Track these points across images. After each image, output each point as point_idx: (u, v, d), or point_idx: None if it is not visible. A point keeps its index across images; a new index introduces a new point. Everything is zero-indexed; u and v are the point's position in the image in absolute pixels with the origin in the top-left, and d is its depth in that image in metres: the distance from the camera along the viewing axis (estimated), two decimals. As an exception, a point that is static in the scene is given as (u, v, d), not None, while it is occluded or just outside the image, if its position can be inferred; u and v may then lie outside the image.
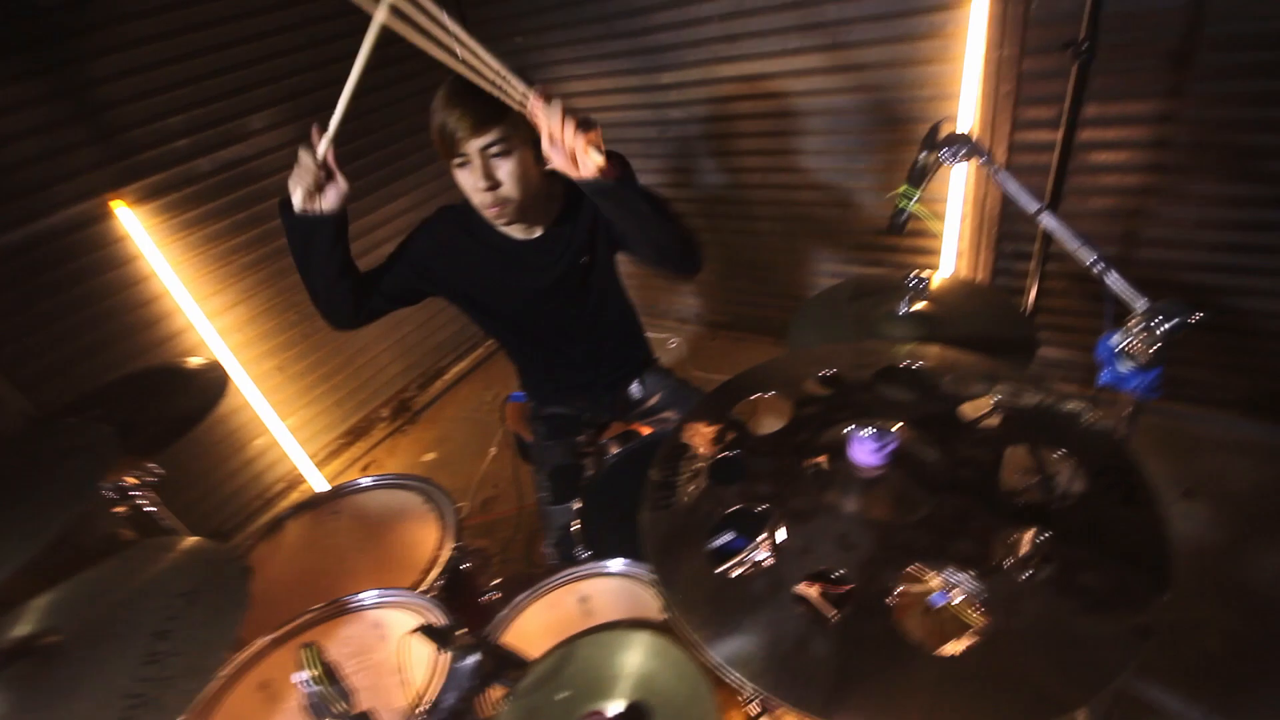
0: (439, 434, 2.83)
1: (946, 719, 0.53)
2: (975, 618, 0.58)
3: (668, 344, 2.98)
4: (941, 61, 1.91)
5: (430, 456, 2.70)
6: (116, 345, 2.04)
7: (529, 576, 1.16)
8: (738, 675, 0.57)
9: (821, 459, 0.73)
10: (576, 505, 1.37)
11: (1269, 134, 1.63)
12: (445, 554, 1.22)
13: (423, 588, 1.13)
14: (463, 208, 1.38)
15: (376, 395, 2.86)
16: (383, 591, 1.08)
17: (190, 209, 2.15)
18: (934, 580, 0.60)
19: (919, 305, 1.16)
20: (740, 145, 2.45)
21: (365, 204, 2.63)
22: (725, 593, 0.65)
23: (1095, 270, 0.82)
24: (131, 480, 1.49)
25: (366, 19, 0.98)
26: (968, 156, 0.92)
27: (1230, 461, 1.89)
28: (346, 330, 1.44)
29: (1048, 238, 1.49)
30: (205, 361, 1.68)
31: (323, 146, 1.14)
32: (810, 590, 0.62)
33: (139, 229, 2.00)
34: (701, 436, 0.79)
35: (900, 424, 0.72)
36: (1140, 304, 0.78)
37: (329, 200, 1.20)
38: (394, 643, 1.00)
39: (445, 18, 0.99)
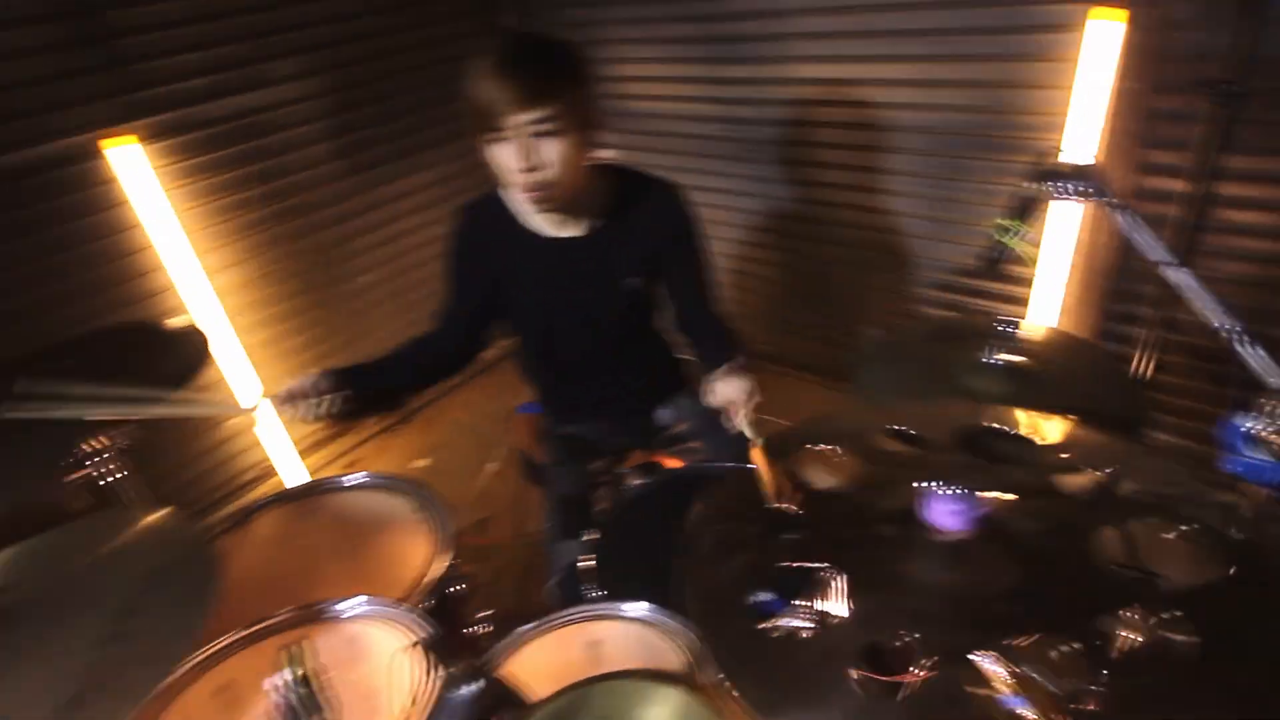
0: (435, 439, 2.86)
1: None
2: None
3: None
4: (1054, 88, 1.92)
5: (423, 463, 2.73)
6: (92, 296, 2.11)
7: (521, 613, 1.17)
8: None
9: (892, 522, 0.74)
10: (589, 538, 1.38)
11: None
12: (437, 570, 1.23)
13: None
14: (484, 200, 1.43)
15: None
16: (371, 601, 1.09)
17: (198, 154, 2.23)
18: (1014, 678, 0.60)
19: (1008, 357, 1.17)
20: (813, 156, 2.48)
21: (383, 173, 2.71)
22: (778, 656, 0.65)
23: (1229, 338, 0.82)
24: (98, 444, 1.54)
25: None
26: (1087, 194, 0.93)
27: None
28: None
29: (1169, 300, 1.49)
30: (188, 324, 1.73)
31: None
32: (874, 666, 0.63)
33: (133, 171, 2.07)
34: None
35: (985, 488, 0.72)
36: (1277, 381, 0.78)
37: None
38: (373, 661, 1.01)
39: None
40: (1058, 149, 1.94)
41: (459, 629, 1.36)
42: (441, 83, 2.76)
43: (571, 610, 1.08)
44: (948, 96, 2.11)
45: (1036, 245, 2.00)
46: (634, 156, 2.62)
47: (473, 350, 1.55)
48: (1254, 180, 1.77)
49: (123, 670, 0.84)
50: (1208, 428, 0.96)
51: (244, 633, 1.07)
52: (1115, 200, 0.91)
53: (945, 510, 0.70)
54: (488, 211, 1.43)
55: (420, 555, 1.31)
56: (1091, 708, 0.57)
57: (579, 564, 1.34)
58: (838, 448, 0.87)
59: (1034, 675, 0.60)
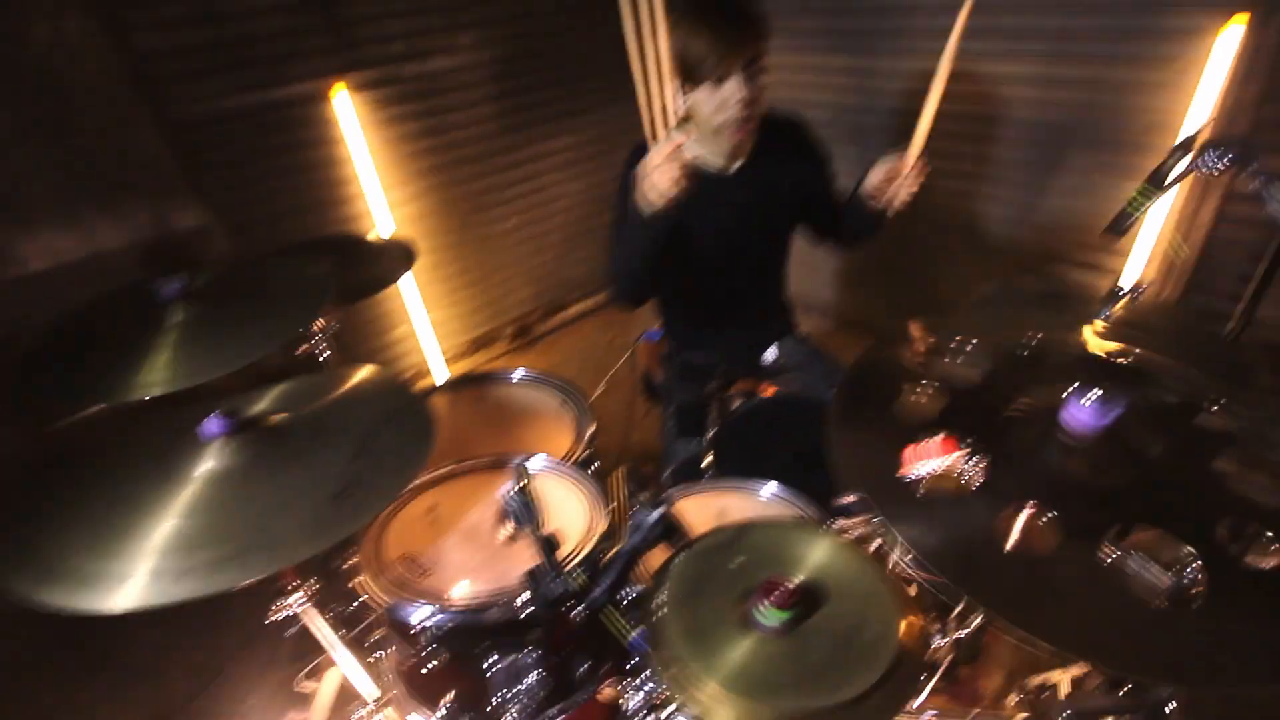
0: (552, 363, 2.97)
1: (1143, 654, 0.54)
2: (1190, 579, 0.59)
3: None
4: (1170, 90, 1.80)
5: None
6: (312, 213, 2.27)
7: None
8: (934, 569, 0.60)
9: (1026, 409, 0.75)
10: (705, 438, 1.43)
11: None
12: (580, 448, 1.30)
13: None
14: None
15: (504, 313, 3.03)
16: (549, 459, 1.18)
17: (392, 107, 2.34)
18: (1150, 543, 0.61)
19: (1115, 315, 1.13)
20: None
21: (532, 135, 2.77)
22: (924, 503, 0.68)
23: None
24: (320, 325, 1.68)
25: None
26: (1234, 164, 0.89)
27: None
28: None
29: (1267, 277, 1.40)
30: (393, 238, 1.84)
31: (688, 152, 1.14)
32: (1022, 514, 0.64)
33: (349, 115, 2.21)
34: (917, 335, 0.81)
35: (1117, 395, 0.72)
36: None
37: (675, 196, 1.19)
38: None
39: None
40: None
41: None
42: (585, 61, 2.80)
43: (716, 481, 1.13)
44: (1064, 94, 1.99)
45: (1185, 241, 1.86)
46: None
47: (654, 285, 1.48)
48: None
49: (372, 477, 0.94)
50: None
51: (446, 469, 1.18)
52: (1260, 169, 0.86)
53: (1083, 413, 0.70)
54: None
55: (565, 438, 1.39)
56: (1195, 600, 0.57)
57: (699, 462, 1.40)
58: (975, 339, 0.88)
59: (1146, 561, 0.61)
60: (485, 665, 0.89)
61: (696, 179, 1.13)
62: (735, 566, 0.76)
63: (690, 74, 1.24)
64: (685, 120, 1.29)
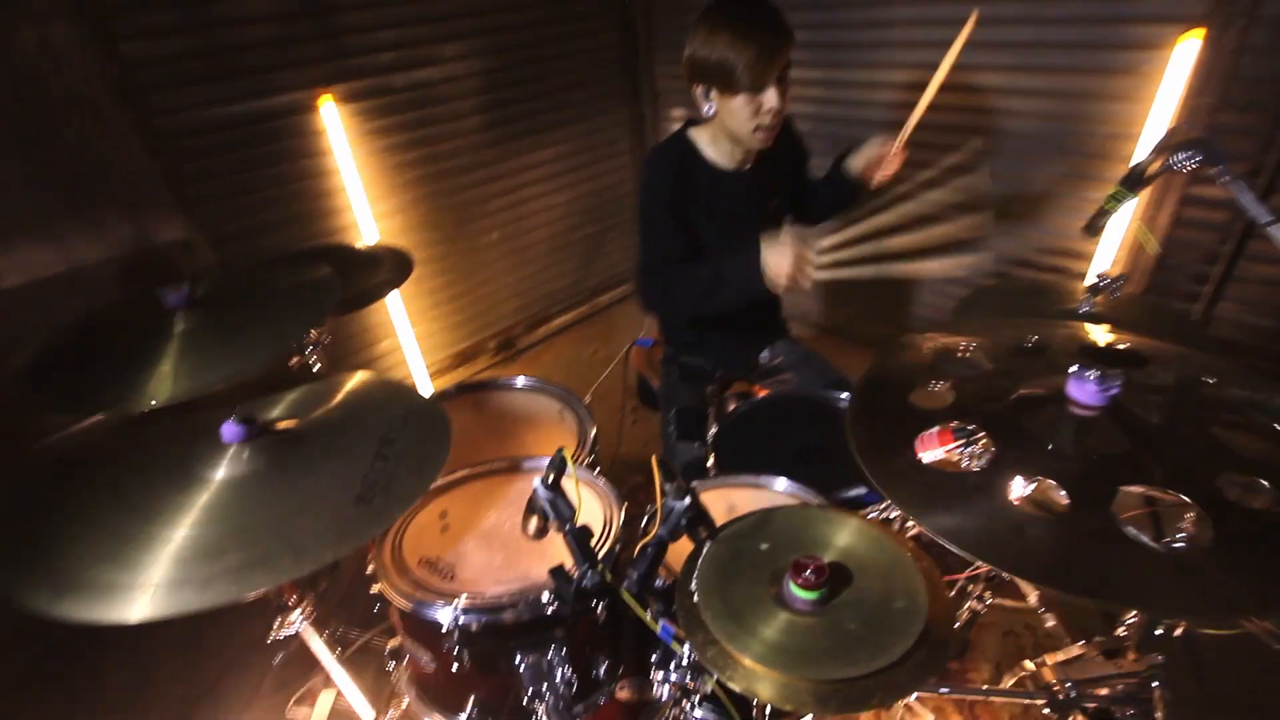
0: (536, 375, 2.97)
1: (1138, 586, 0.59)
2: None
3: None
4: (1131, 101, 1.92)
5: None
6: (298, 224, 2.26)
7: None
8: (957, 548, 0.64)
9: (1035, 391, 0.80)
10: (710, 437, 1.47)
11: None
12: (585, 455, 1.33)
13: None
14: (670, 144, 1.50)
15: (488, 326, 3.03)
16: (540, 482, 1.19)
17: (379, 118, 2.36)
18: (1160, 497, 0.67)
19: (1095, 308, 1.21)
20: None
21: (517, 147, 2.80)
22: (937, 482, 0.72)
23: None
24: (313, 336, 1.68)
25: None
26: (1204, 163, 0.96)
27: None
28: None
29: (1229, 268, 1.51)
30: (388, 247, 1.85)
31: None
32: (1033, 485, 0.69)
33: (336, 125, 2.22)
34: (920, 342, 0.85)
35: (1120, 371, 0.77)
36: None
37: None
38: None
39: None
40: (1130, 158, 1.93)
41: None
42: (571, 73, 2.86)
43: (725, 477, 1.16)
44: (1032, 104, 2.10)
45: (1154, 237, 1.97)
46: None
47: None
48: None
49: (394, 477, 0.95)
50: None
51: (456, 475, 1.19)
52: (1231, 168, 0.94)
53: (1087, 389, 0.76)
54: (676, 151, 1.47)
55: (568, 442, 1.41)
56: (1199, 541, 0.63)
57: (703, 463, 1.43)
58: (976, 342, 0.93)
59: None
60: (515, 662, 0.90)
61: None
62: (763, 550, 0.79)
63: (726, 84, 1.28)
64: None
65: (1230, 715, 1.30)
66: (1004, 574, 1.36)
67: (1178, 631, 0.94)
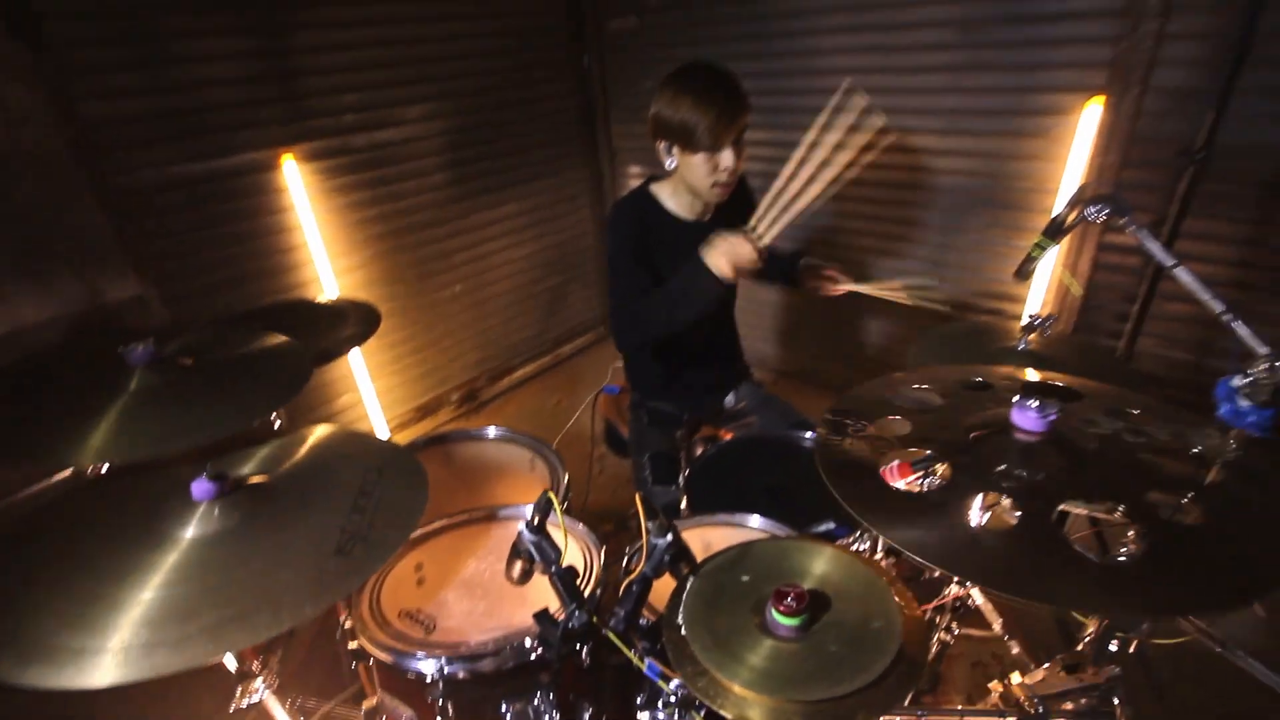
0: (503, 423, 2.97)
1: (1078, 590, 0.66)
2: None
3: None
4: (1046, 160, 2.13)
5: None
6: (256, 280, 2.25)
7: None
8: (922, 559, 0.70)
9: (985, 428, 0.88)
10: (682, 481, 1.51)
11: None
12: (560, 502, 1.34)
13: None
14: (634, 197, 1.59)
15: (450, 379, 3.03)
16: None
17: (340, 176, 2.40)
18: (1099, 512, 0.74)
19: (1030, 345, 1.33)
20: (839, 207, 2.68)
21: (479, 203, 2.88)
22: (902, 504, 0.78)
23: (1223, 319, 0.97)
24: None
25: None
26: (1113, 215, 1.09)
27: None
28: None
29: (1144, 307, 1.66)
30: (353, 300, 1.86)
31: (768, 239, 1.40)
32: (989, 500, 0.75)
33: (297, 183, 2.25)
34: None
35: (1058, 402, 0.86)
36: (1264, 350, 0.93)
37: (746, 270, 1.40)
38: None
39: None
40: (1051, 210, 2.13)
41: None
42: (532, 134, 2.98)
43: (701, 516, 1.20)
44: (962, 164, 2.30)
45: (1079, 280, 2.16)
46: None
47: None
48: (1199, 239, 1.93)
49: (373, 528, 0.95)
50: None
51: (431, 527, 1.19)
52: (1136, 219, 1.07)
53: (1029, 417, 0.84)
54: (639, 204, 1.58)
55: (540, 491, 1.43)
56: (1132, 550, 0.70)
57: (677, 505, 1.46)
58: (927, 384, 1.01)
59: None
60: (501, 710, 0.90)
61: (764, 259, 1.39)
62: (744, 582, 0.82)
63: (687, 143, 1.40)
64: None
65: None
66: (968, 603, 1.43)
67: (1131, 648, 1.01)
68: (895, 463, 0.85)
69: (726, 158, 1.40)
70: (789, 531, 1.16)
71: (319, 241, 2.33)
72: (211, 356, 1.31)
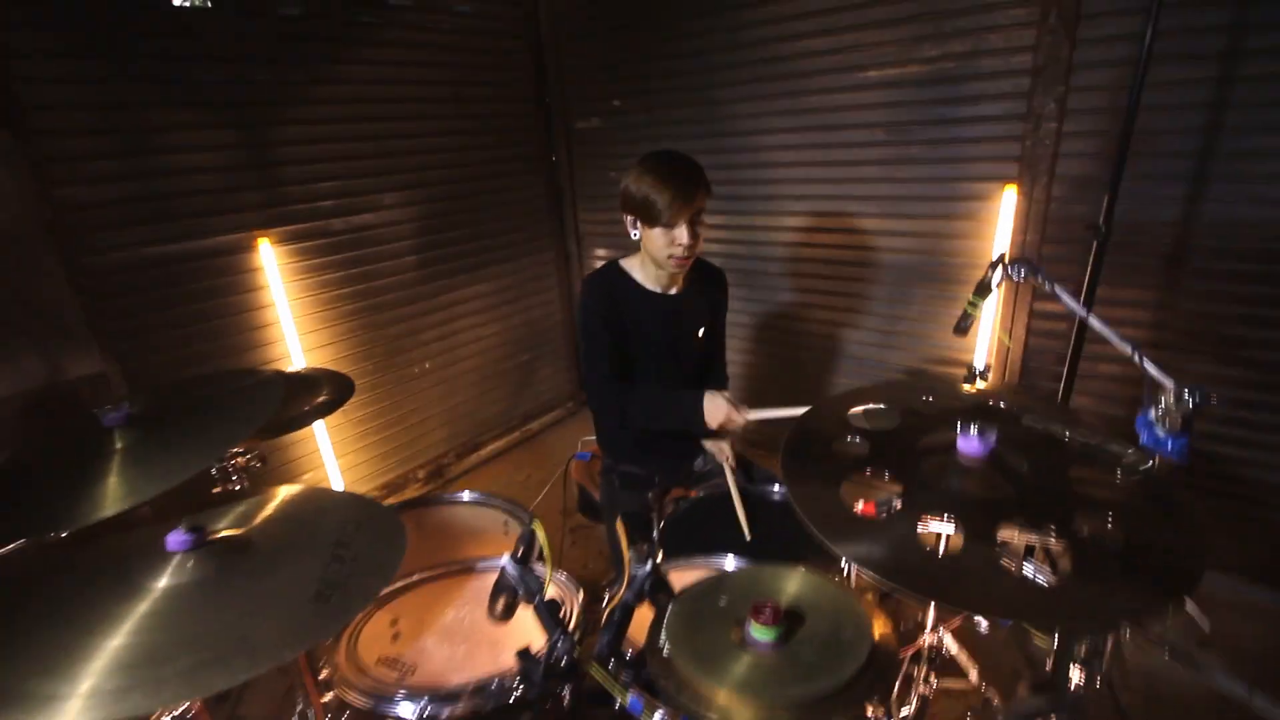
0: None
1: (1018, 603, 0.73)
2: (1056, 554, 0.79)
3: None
4: (976, 238, 2.37)
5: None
6: (228, 356, 2.27)
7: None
8: (879, 576, 0.76)
9: (931, 451, 0.97)
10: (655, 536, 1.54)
11: (1250, 328, 2.01)
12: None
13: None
14: (605, 271, 1.71)
15: (418, 456, 3.01)
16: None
17: (316, 257, 2.49)
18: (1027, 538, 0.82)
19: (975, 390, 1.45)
20: (797, 283, 2.88)
21: (449, 284, 2.99)
22: (859, 526, 0.85)
23: (1135, 358, 1.11)
24: (241, 462, 1.66)
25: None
26: (1028, 275, 1.25)
27: (1240, 624, 2.05)
28: None
29: (1074, 366, 1.82)
30: (324, 369, 1.90)
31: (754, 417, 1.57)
32: (934, 523, 0.82)
33: (272, 263, 2.32)
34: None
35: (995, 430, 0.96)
36: (1170, 384, 1.06)
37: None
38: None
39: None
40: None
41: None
42: (503, 219, 3.16)
43: (686, 558, 1.23)
44: (903, 243, 2.54)
45: (1009, 334, 2.36)
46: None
47: None
48: (1116, 305, 2.15)
49: (351, 577, 0.96)
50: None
51: (410, 579, 1.19)
52: (1045, 277, 1.23)
53: (971, 443, 0.93)
54: (608, 278, 1.70)
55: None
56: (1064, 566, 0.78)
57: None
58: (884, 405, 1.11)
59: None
60: (483, 754, 0.89)
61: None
62: (722, 605, 0.86)
63: (647, 217, 1.55)
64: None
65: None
66: (943, 652, 1.47)
67: (1097, 673, 1.06)
68: (861, 503, 0.92)
69: (681, 234, 1.55)
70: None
71: (289, 318, 2.38)
72: (180, 402, 1.34)
